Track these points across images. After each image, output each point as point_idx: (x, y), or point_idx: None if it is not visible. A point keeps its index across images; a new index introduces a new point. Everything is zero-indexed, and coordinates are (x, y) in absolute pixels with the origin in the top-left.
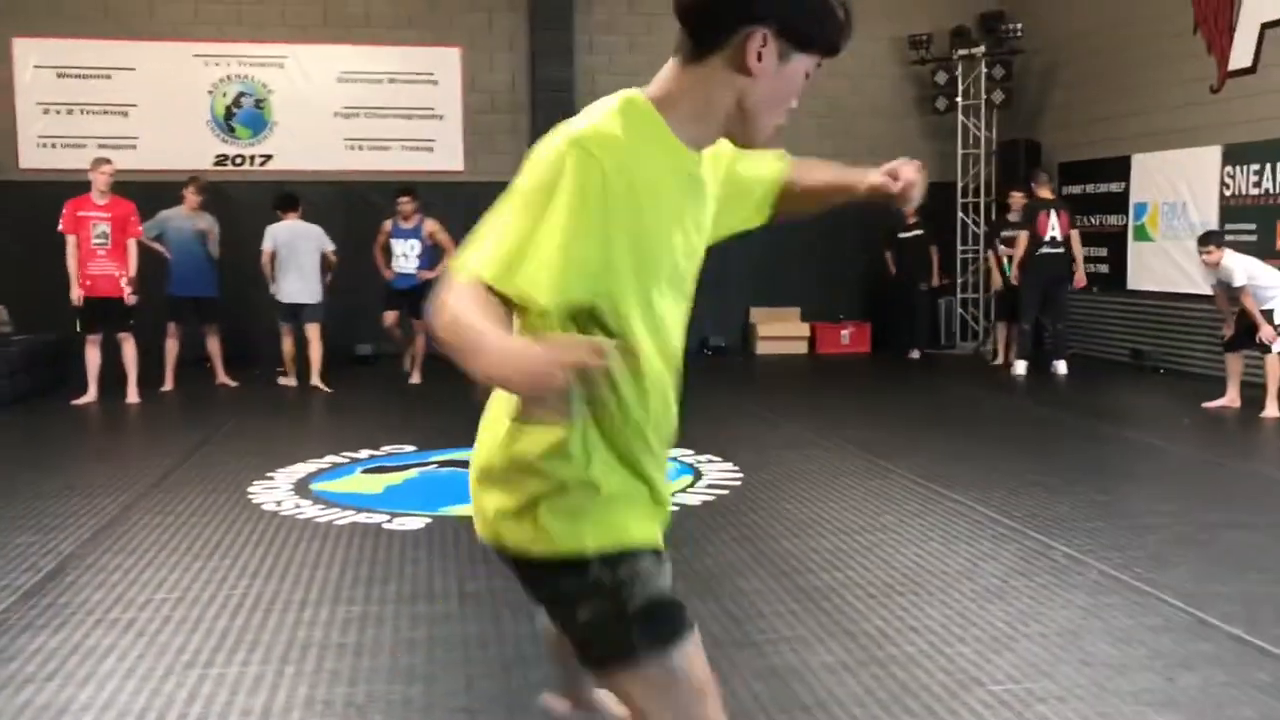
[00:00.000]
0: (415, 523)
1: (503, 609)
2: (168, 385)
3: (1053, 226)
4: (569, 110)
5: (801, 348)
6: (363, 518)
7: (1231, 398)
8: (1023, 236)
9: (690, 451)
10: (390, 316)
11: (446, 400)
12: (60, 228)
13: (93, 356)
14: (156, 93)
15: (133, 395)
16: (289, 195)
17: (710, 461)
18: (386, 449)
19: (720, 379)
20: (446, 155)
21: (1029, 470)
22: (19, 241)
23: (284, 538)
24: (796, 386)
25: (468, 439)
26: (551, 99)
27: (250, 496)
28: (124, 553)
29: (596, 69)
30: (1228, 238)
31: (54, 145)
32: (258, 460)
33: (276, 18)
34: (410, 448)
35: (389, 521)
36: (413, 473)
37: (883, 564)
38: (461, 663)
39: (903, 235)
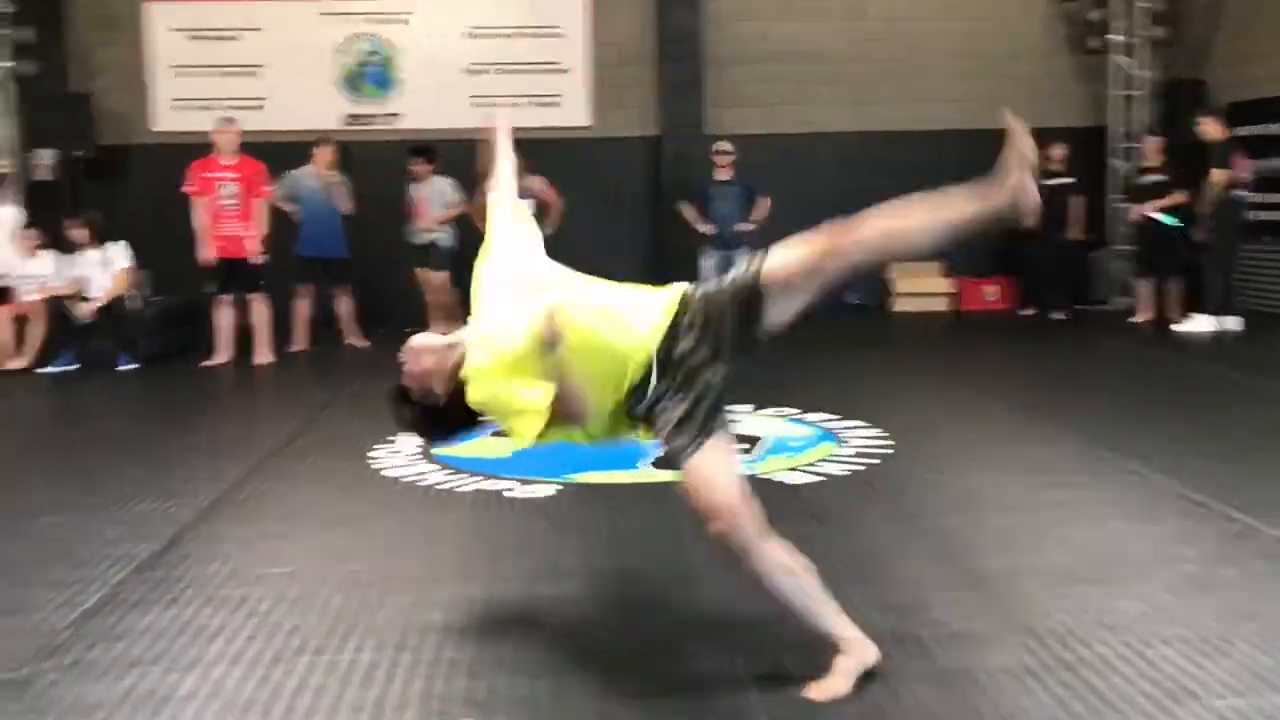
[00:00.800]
0: (542, 490)
1: (639, 589)
2: (297, 346)
3: (1245, 168)
4: (698, 60)
5: (943, 305)
6: (487, 484)
7: None
8: (1220, 175)
9: (834, 416)
10: None
11: None
12: (187, 188)
13: (223, 318)
14: (284, 53)
15: (262, 356)
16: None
17: (855, 427)
18: None
19: (858, 339)
20: (573, 111)
21: (1211, 438)
22: (152, 204)
23: (404, 507)
24: (941, 346)
25: None
26: (680, 49)
27: (371, 462)
28: (241, 523)
29: (726, 16)
30: None
31: (186, 108)
32: (382, 423)
33: None
34: None
35: (514, 489)
36: None
37: (1059, 546)
38: (592, 654)
39: (1045, 183)
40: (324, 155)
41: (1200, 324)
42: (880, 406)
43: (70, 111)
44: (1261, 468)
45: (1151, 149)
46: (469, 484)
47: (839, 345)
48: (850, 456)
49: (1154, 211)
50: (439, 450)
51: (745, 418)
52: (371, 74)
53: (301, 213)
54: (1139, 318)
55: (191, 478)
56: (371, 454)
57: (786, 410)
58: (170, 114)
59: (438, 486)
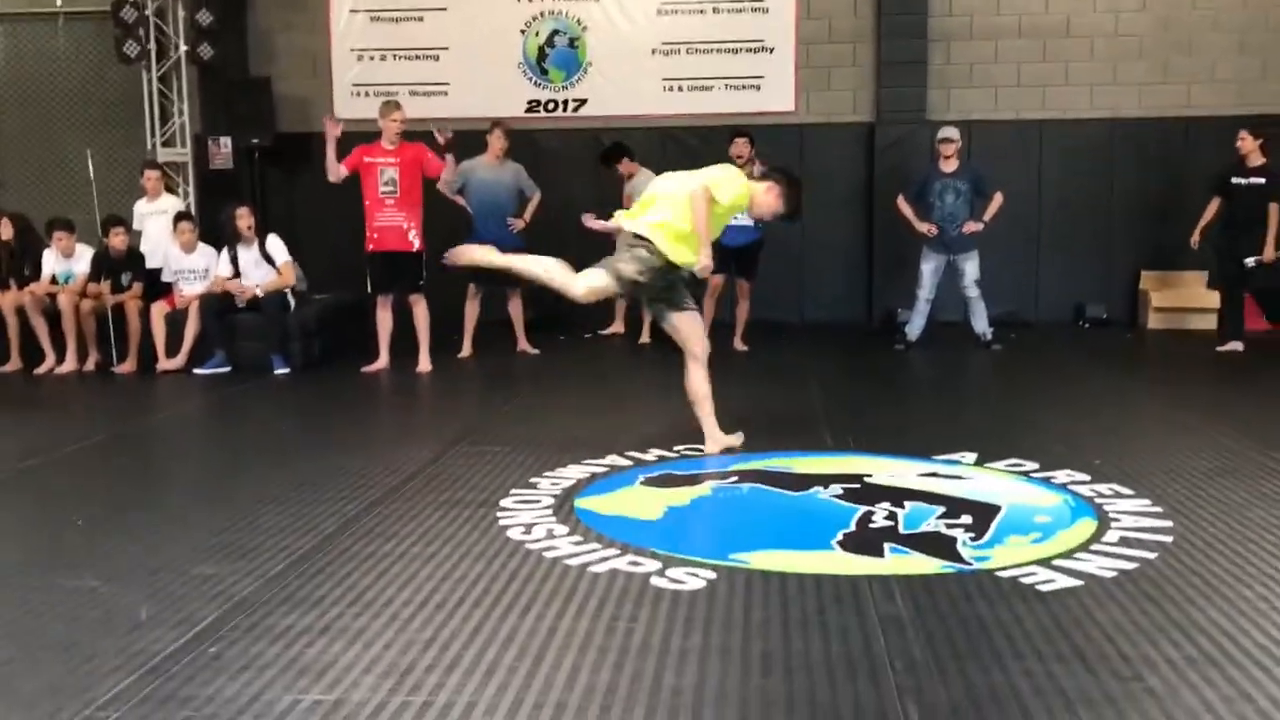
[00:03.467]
0: (694, 579)
1: None
2: (465, 351)
3: None
4: (922, 36)
5: (1208, 322)
6: (626, 563)
7: None
8: None
9: (1083, 477)
10: (717, 280)
11: (768, 376)
12: (344, 162)
13: (383, 320)
14: (468, 34)
15: (424, 364)
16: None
17: (1115, 496)
18: (680, 448)
19: (1104, 362)
20: (775, 94)
21: None
22: (330, 195)
23: (519, 588)
24: (1211, 375)
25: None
26: (901, 23)
27: (499, 517)
28: (297, 609)
29: None
30: None
31: (367, 94)
32: (526, 455)
33: None
34: None
35: (659, 574)
36: (704, 488)
37: None
38: None
39: (1237, 181)
40: (497, 143)
41: None
42: (1143, 462)
43: (250, 97)
44: None
45: None
46: (606, 559)
47: (1080, 372)
48: (1116, 546)
49: None
50: (582, 503)
51: (970, 472)
52: (557, 56)
53: (473, 205)
54: None
55: (305, 514)
56: (502, 504)
57: (1022, 463)
58: (351, 101)
59: (566, 560)
